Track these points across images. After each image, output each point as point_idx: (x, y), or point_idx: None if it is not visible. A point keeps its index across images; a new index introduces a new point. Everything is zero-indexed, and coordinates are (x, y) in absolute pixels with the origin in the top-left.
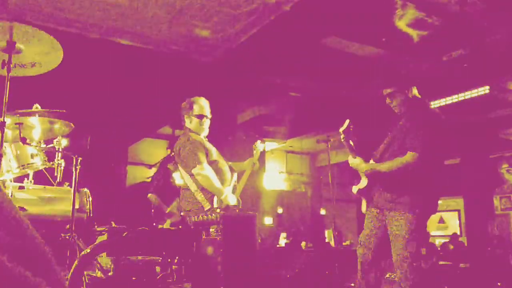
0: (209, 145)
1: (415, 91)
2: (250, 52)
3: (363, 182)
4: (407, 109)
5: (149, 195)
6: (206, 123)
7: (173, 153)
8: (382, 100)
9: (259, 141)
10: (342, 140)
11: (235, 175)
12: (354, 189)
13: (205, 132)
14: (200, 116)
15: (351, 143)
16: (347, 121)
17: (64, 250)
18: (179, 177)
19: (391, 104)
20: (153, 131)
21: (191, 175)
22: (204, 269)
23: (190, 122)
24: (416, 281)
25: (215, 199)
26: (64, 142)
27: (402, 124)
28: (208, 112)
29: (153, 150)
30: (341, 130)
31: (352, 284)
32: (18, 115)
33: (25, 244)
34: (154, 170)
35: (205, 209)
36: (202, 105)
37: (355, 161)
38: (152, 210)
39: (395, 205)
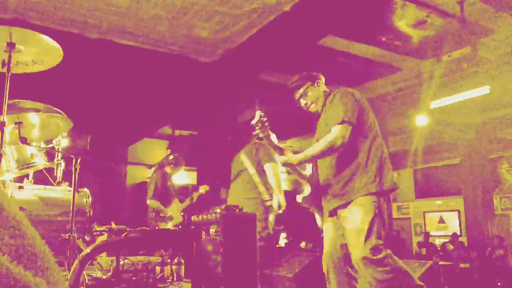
0: None
1: (322, 82)
2: (250, 52)
3: (306, 189)
4: (323, 102)
5: (149, 201)
6: None
7: (172, 156)
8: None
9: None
10: (261, 135)
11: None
12: (298, 198)
13: None
14: None
15: (271, 137)
16: (258, 113)
17: (64, 250)
18: (178, 177)
19: (306, 106)
20: (153, 131)
21: (259, 167)
22: (204, 269)
23: None
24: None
25: (274, 196)
26: (64, 142)
27: (323, 115)
28: None
29: (153, 150)
30: (253, 122)
31: None
32: (17, 112)
33: (25, 244)
34: (153, 170)
35: (264, 199)
36: None
37: (283, 158)
38: (153, 214)
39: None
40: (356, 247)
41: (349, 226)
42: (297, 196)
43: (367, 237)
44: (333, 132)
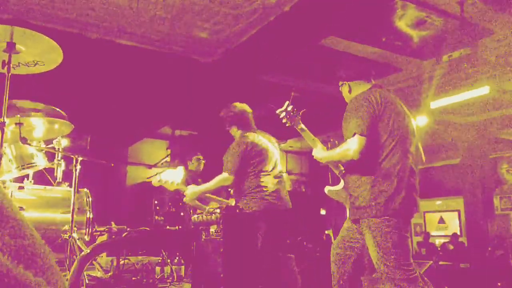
0: None
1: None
2: (250, 52)
3: (340, 183)
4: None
5: (185, 199)
6: None
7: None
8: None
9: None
10: (289, 124)
11: None
12: (326, 189)
13: None
14: None
15: (303, 127)
16: (286, 103)
17: (64, 250)
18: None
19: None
20: (153, 131)
21: None
22: (204, 269)
23: None
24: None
25: None
26: (64, 142)
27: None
28: None
29: (153, 150)
30: (278, 111)
31: None
32: (18, 114)
33: (25, 244)
34: (154, 170)
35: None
36: None
37: (314, 151)
38: (191, 211)
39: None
40: None
41: None
42: (326, 187)
43: None
44: (346, 144)
